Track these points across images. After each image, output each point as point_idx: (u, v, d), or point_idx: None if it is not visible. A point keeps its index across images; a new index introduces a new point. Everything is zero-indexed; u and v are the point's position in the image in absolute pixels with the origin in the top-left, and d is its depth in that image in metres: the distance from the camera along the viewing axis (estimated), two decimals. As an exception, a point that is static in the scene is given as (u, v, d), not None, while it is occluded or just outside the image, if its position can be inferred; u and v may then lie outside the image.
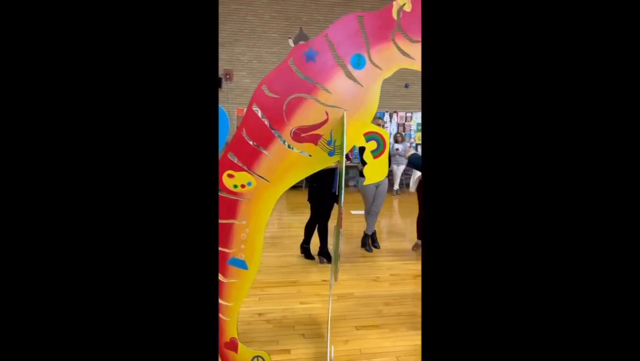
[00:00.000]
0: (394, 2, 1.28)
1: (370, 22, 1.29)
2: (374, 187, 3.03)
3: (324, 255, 2.91)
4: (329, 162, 1.39)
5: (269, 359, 1.54)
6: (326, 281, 2.52)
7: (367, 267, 2.77)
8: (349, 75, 1.32)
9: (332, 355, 1.61)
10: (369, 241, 3.21)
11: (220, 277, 1.46)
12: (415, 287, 2.34)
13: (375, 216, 3.17)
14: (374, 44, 1.29)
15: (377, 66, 1.31)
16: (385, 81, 1.34)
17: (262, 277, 2.49)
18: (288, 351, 1.68)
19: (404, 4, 1.27)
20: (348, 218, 4.28)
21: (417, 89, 7.50)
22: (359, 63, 1.31)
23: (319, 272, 2.70)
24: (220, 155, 1.41)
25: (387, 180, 3.20)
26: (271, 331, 1.85)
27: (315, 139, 1.36)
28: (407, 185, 6.52)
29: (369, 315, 2.05)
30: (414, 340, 1.79)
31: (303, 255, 3.01)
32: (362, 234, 3.21)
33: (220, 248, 1.43)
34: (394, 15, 1.28)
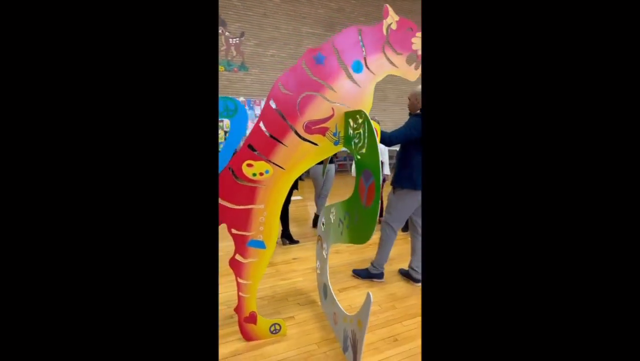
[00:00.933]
0: (384, 21, 1.59)
1: (366, 35, 1.57)
2: (322, 172, 3.37)
3: (287, 237, 3.14)
4: (335, 151, 1.65)
5: (285, 325, 1.75)
6: (297, 258, 2.78)
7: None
8: (350, 78, 1.59)
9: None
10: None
11: (240, 258, 1.60)
12: (372, 253, 2.79)
13: (325, 198, 3.52)
14: (369, 53, 1.59)
15: (371, 71, 1.61)
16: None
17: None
18: (292, 317, 1.90)
19: (391, 23, 1.60)
20: (294, 203, 4.55)
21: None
22: (358, 68, 1.59)
23: (287, 252, 2.92)
24: (240, 146, 1.53)
25: (334, 166, 3.57)
26: (269, 306, 2.03)
27: (323, 131, 1.60)
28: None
29: (344, 279, 2.40)
30: (387, 290, 2.23)
31: (287, 241, 3.11)
32: (311, 217, 3.50)
33: (240, 232, 1.57)
34: (384, 32, 1.60)
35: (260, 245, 1.60)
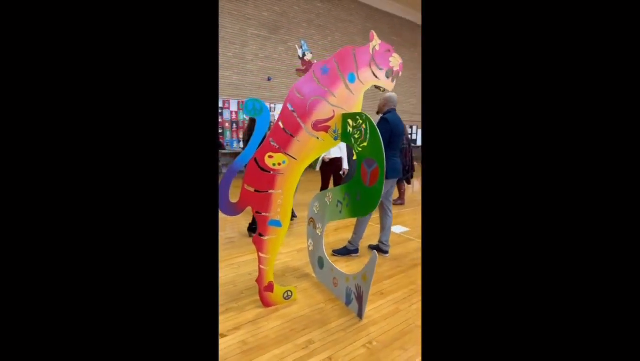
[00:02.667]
0: (370, 43, 2.03)
1: (358, 53, 2.00)
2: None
3: (253, 230, 3.28)
4: (334, 145, 2.03)
5: (295, 290, 2.07)
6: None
7: (296, 231, 3.46)
8: (347, 86, 2.00)
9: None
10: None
11: (261, 236, 1.88)
12: (345, 235, 3.23)
13: None
14: (360, 67, 2.01)
15: (361, 82, 2.04)
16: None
17: (226, 252, 2.79)
18: (295, 287, 2.23)
19: (375, 45, 2.05)
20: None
21: (278, 82, 8.37)
22: (352, 79, 2.00)
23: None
24: (263, 141, 1.81)
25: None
26: (270, 282, 2.32)
27: (326, 128, 1.97)
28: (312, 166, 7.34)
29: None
30: (364, 261, 2.69)
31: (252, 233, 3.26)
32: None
33: (262, 213, 1.86)
34: (370, 51, 2.04)
35: (278, 223, 1.90)
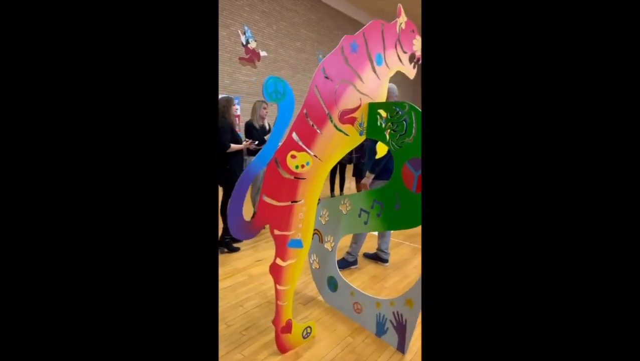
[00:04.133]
0: (397, 19, 1.70)
1: (386, 30, 1.64)
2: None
3: (226, 244, 2.71)
4: (360, 141, 1.65)
5: (315, 326, 1.64)
6: (261, 260, 2.56)
7: (263, 236, 2.98)
8: (374, 70, 1.63)
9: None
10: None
11: (280, 262, 1.42)
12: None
13: (258, 194, 3.38)
14: (387, 48, 1.67)
15: (387, 66, 1.69)
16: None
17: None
18: (306, 318, 1.79)
19: (402, 23, 1.72)
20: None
21: (219, 70, 7.53)
22: (379, 61, 1.64)
23: (244, 256, 2.65)
24: (286, 135, 1.34)
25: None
26: (273, 313, 1.83)
27: (352, 121, 1.58)
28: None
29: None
30: (368, 273, 2.35)
31: (226, 249, 2.70)
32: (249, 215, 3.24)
33: (282, 232, 1.39)
34: (397, 29, 1.70)
35: (299, 244, 1.46)
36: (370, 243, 2.88)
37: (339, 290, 1.87)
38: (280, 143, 1.31)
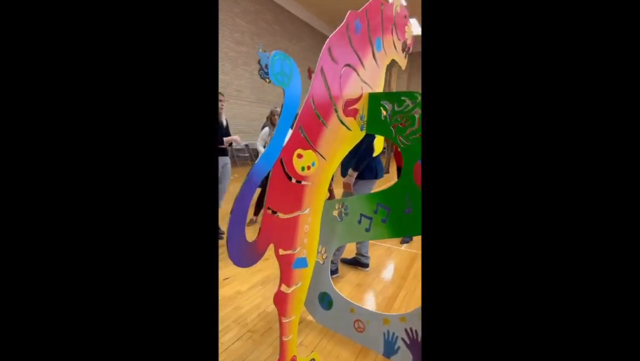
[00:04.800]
0: (394, 1, 1.52)
1: (385, 10, 1.46)
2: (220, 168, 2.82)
3: None
4: (360, 136, 1.44)
5: (318, 358, 1.38)
6: (228, 278, 2.18)
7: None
8: (374, 55, 1.43)
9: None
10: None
11: (285, 289, 1.13)
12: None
13: (223, 194, 2.98)
14: (385, 32, 1.48)
15: (385, 52, 1.51)
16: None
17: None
18: (301, 344, 1.51)
19: (397, 5, 1.56)
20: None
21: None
22: (379, 46, 1.45)
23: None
24: (293, 130, 1.06)
25: (229, 162, 3.01)
26: (263, 342, 1.51)
27: (355, 113, 1.36)
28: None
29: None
30: (351, 282, 2.16)
31: None
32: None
33: (286, 252, 1.11)
34: (393, 12, 1.53)
35: (304, 263, 1.19)
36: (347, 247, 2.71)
37: (334, 308, 1.64)
38: (286, 139, 1.03)
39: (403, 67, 1.71)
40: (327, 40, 1.16)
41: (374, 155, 1.74)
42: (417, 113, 1.31)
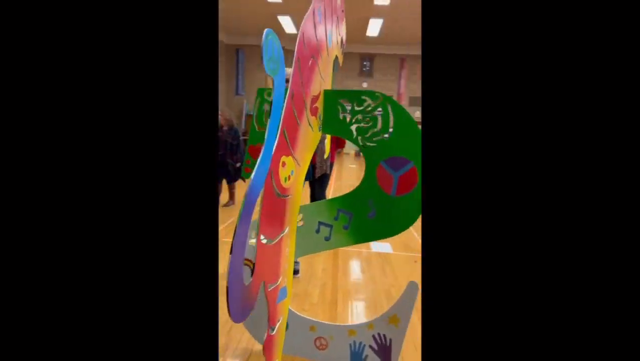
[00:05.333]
0: (337, -10, 1.42)
1: (333, 2, 1.34)
2: None
3: None
4: (319, 138, 1.29)
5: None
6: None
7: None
8: (327, 49, 1.30)
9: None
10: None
11: (271, 331, 0.90)
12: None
13: None
14: (332, 24, 1.38)
15: (332, 45, 1.40)
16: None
17: None
18: None
19: (339, -4, 1.46)
20: None
21: None
22: (330, 39, 1.33)
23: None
24: (278, 134, 0.83)
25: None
26: None
27: (316, 112, 1.21)
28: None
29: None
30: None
31: None
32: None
33: (273, 286, 0.89)
34: (338, 4, 1.43)
35: (285, 294, 0.98)
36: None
37: (290, 329, 1.46)
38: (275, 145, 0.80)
39: (341, 63, 1.64)
40: (301, 25, 0.96)
41: (324, 157, 1.62)
42: (379, 113, 1.26)
